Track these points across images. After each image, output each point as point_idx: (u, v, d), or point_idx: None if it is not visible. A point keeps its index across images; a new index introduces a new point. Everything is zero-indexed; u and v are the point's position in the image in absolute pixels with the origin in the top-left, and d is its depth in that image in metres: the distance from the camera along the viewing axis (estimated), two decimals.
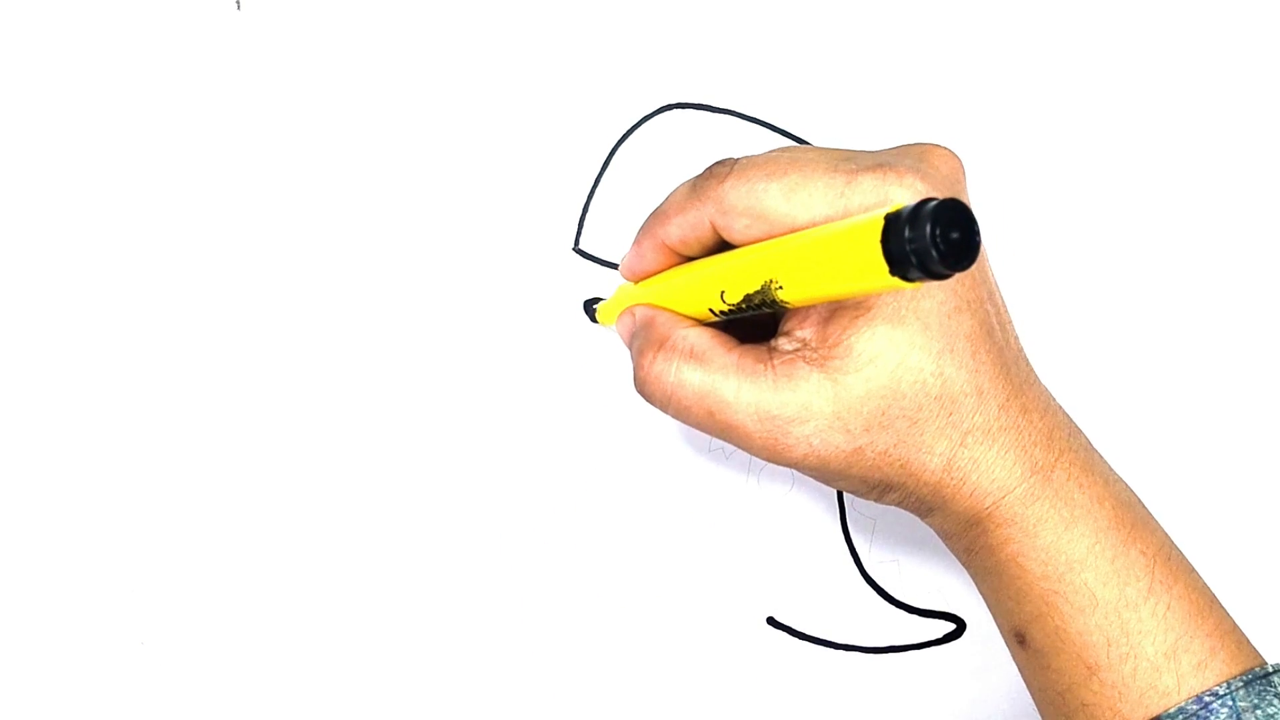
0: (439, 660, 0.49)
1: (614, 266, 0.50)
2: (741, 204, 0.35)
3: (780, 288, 0.33)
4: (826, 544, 0.50)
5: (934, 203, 0.28)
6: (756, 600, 0.50)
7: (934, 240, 0.27)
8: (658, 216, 0.39)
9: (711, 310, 0.37)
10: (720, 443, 0.50)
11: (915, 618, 0.50)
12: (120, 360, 0.48)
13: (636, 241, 0.41)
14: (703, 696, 0.49)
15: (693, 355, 0.36)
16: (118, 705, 0.47)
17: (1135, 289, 0.52)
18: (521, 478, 0.49)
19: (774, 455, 0.36)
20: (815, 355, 0.34)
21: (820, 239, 0.31)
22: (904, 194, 0.33)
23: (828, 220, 0.33)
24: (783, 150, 0.37)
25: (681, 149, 0.50)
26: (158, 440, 0.48)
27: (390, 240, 0.49)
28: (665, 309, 0.39)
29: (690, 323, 0.38)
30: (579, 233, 0.50)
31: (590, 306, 0.50)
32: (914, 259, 0.28)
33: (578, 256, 0.50)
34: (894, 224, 0.28)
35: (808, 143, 0.51)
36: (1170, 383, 0.52)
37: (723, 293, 0.36)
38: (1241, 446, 0.52)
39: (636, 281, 0.43)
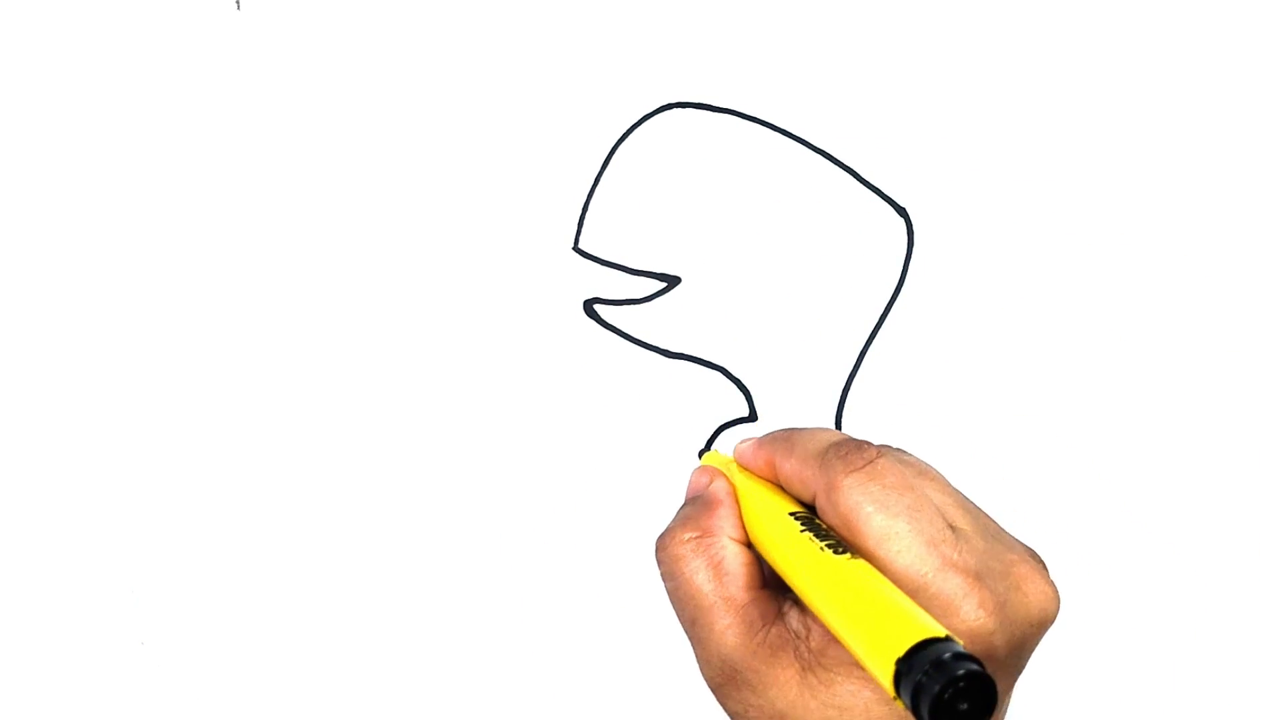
0: (439, 660, 0.49)
1: (614, 266, 0.50)
2: (845, 507, 0.34)
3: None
4: None
5: (966, 669, 0.27)
6: None
7: (940, 696, 0.27)
8: (787, 446, 0.37)
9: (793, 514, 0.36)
10: (718, 445, 0.50)
11: None
12: (120, 360, 0.48)
13: (758, 440, 0.39)
14: (703, 696, 0.49)
15: (718, 568, 0.36)
16: (118, 705, 0.47)
17: (1133, 289, 0.52)
18: (521, 477, 0.49)
19: (716, 695, 0.37)
20: (809, 657, 0.34)
21: (868, 597, 0.31)
22: (971, 620, 0.32)
23: (898, 583, 0.32)
24: (921, 474, 0.36)
25: (681, 149, 0.50)
26: (158, 440, 0.48)
27: (390, 240, 0.49)
28: (743, 497, 0.38)
29: (741, 534, 0.38)
30: (579, 232, 0.50)
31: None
32: (908, 695, 0.27)
33: (578, 256, 0.50)
34: (920, 652, 0.27)
35: (808, 142, 0.51)
36: (1167, 382, 0.52)
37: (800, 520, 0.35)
38: (1237, 447, 0.52)
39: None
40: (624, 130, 0.50)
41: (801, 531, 0.34)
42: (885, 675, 0.28)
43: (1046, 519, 0.50)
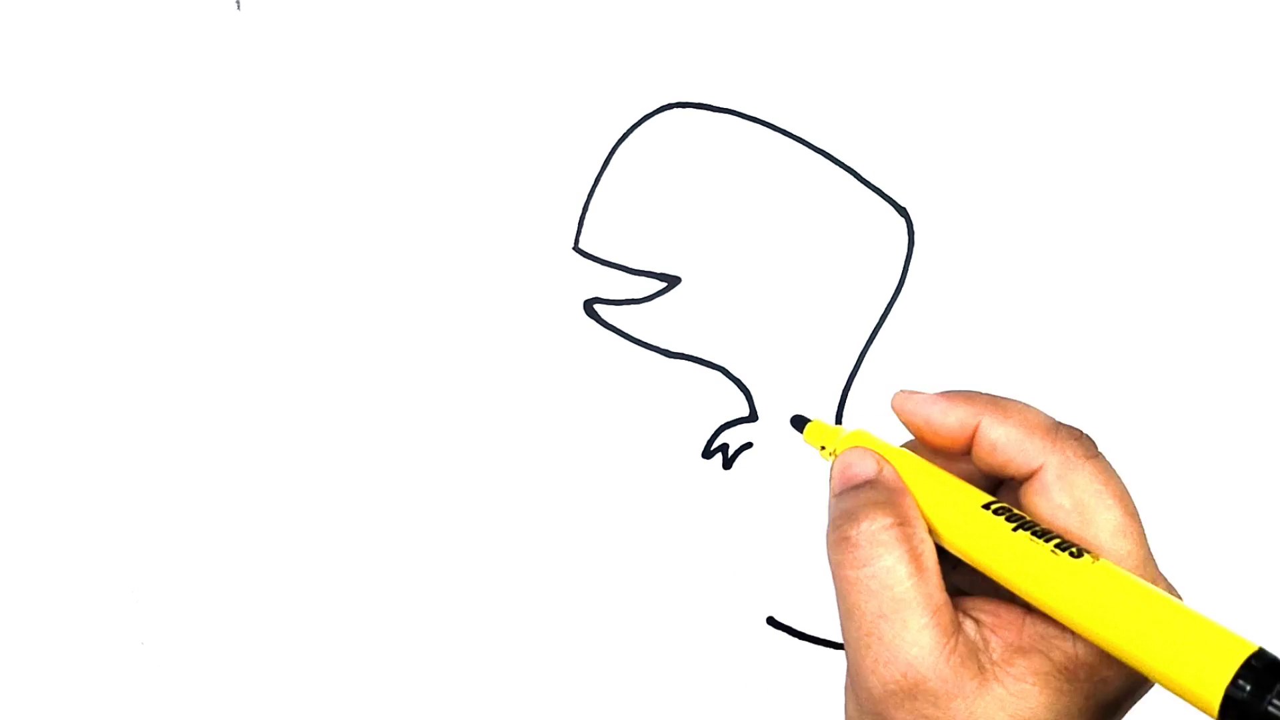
0: (439, 660, 0.49)
1: (614, 266, 0.50)
2: (1090, 488, 0.33)
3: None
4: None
5: None
6: (756, 600, 0.50)
7: None
8: (1000, 410, 0.34)
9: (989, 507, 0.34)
10: (720, 447, 0.50)
11: None
12: (120, 360, 0.48)
13: (949, 396, 0.36)
14: (703, 696, 0.49)
15: (919, 562, 0.33)
16: (118, 705, 0.47)
17: (1134, 288, 0.52)
18: (521, 477, 0.49)
19: (877, 707, 0.33)
20: (991, 669, 0.33)
21: (1161, 616, 0.29)
22: None
23: (1125, 557, 0.32)
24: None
25: (681, 149, 0.50)
26: (158, 440, 0.48)
27: (390, 240, 0.49)
28: (938, 501, 0.35)
29: (926, 527, 0.35)
30: (579, 232, 0.50)
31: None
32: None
33: (578, 256, 0.50)
34: (1249, 672, 0.27)
35: (808, 142, 0.51)
36: (1167, 382, 0.52)
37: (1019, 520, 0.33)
38: (1238, 446, 0.52)
39: (911, 432, 0.37)
40: (624, 130, 0.50)
41: (1015, 530, 0.32)
42: (1211, 701, 0.27)
43: None
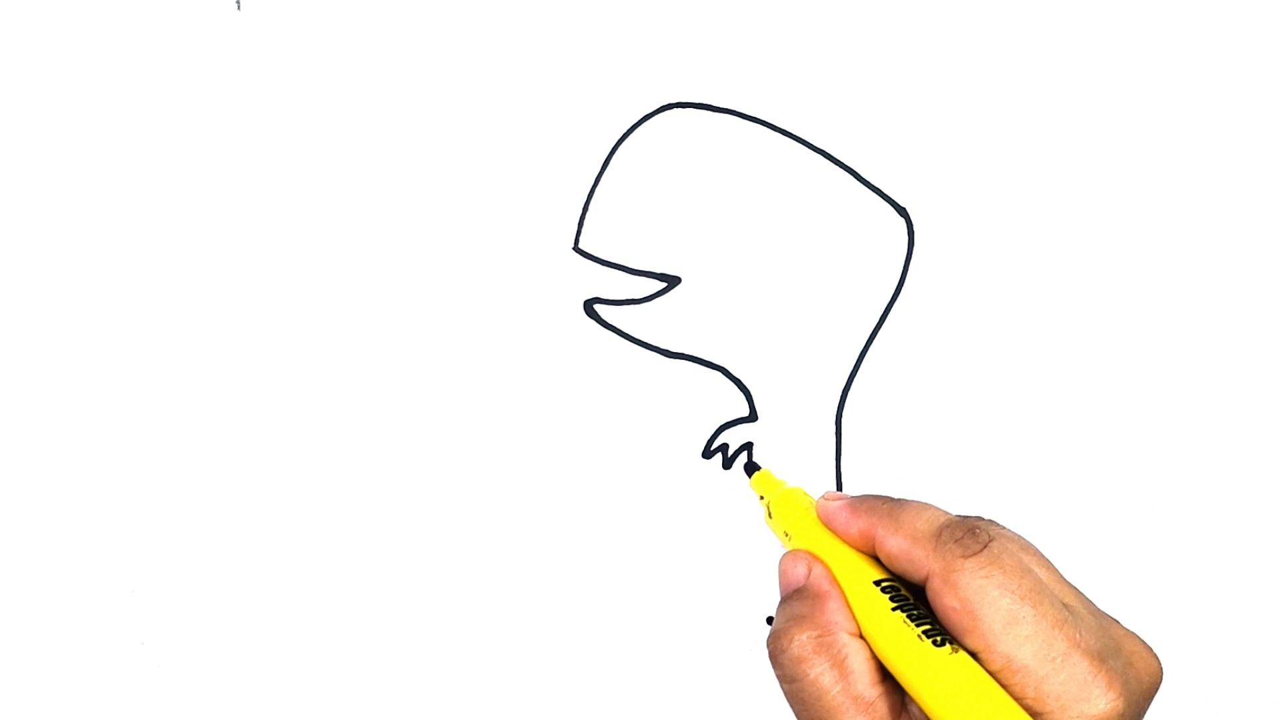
0: (438, 659, 0.49)
1: (614, 266, 0.50)
2: (967, 592, 0.34)
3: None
4: None
5: None
6: (757, 600, 0.50)
7: None
8: (892, 522, 0.37)
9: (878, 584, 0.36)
10: (720, 447, 0.50)
11: None
12: (120, 360, 0.48)
13: (853, 506, 0.38)
14: (703, 696, 0.49)
15: (842, 667, 0.36)
16: (118, 705, 0.47)
17: (1133, 289, 0.52)
18: (522, 477, 0.49)
19: None
20: None
21: (979, 700, 0.31)
22: (1104, 705, 0.33)
23: (1025, 669, 0.33)
24: (1025, 550, 0.36)
25: (681, 149, 0.50)
26: (158, 440, 0.48)
27: (390, 240, 0.49)
28: (838, 574, 0.38)
29: (854, 627, 0.37)
30: (579, 232, 0.50)
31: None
32: None
33: (578, 256, 0.50)
34: None
35: (808, 143, 0.51)
36: (1166, 382, 0.52)
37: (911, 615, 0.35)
38: (1237, 446, 0.52)
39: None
40: (624, 130, 0.50)
41: (894, 609, 0.34)
42: None
43: (1046, 519, 0.50)
